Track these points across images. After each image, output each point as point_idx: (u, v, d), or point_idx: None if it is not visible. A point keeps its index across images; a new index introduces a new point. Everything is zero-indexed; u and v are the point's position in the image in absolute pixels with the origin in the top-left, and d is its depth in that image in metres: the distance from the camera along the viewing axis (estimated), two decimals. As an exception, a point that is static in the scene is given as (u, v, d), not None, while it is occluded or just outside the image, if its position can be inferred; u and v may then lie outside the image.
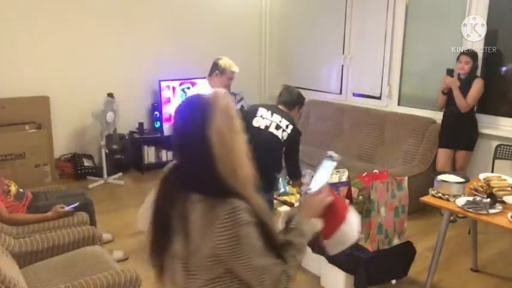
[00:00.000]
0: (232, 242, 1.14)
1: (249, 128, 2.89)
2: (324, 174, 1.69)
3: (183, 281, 1.22)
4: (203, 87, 3.46)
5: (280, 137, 2.91)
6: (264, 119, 2.94)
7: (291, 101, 3.10)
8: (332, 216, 1.46)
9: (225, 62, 3.41)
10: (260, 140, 2.85)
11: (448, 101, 4.03)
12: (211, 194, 1.16)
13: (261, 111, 2.98)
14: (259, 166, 2.92)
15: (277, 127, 2.92)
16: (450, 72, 3.97)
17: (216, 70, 3.41)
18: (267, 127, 2.92)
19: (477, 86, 3.86)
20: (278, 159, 3.00)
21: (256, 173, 2.54)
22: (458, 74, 3.97)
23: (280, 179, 3.51)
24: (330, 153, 1.83)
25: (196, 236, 1.15)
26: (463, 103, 3.87)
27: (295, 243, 1.30)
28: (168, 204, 1.22)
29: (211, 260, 1.16)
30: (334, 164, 1.77)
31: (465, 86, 3.89)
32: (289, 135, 2.93)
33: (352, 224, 1.48)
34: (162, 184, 1.30)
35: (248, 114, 3.01)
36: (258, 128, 2.92)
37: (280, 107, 3.07)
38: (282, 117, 2.96)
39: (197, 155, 1.17)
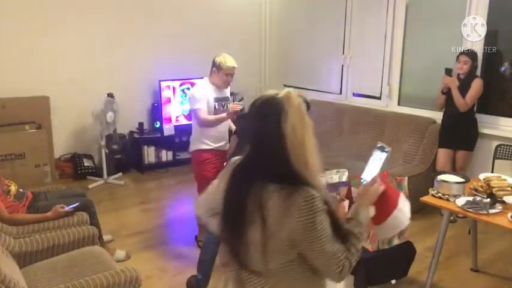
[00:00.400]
0: (308, 227, 1.25)
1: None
2: (376, 165, 1.75)
3: (258, 264, 1.32)
4: (204, 86, 3.44)
5: None
6: None
7: None
8: (385, 203, 1.54)
9: (220, 58, 3.35)
10: None
11: (447, 101, 4.03)
12: (287, 183, 1.27)
13: None
14: None
15: None
16: (449, 72, 3.97)
17: (213, 67, 3.39)
18: None
19: (476, 85, 3.86)
20: None
21: None
22: (458, 74, 3.97)
23: None
24: (380, 143, 1.85)
25: (274, 222, 1.26)
26: (462, 103, 3.87)
27: (354, 232, 1.39)
28: (243, 195, 1.31)
29: (287, 244, 1.28)
30: (386, 154, 1.81)
31: (464, 85, 3.89)
32: None
33: (403, 210, 1.56)
34: (233, 177, 1.39)
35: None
36: None
37: None
38: None
39: (274, 148, 1.29)
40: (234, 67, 3.37)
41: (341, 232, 1.33)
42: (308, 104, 3.13)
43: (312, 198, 1.25)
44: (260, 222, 1.27)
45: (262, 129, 1.32)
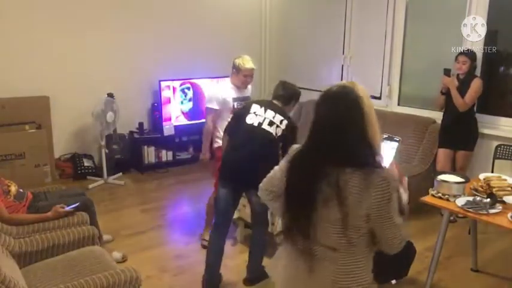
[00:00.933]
0: (383, 203, 1.40)
1: (243, 125, 2.89)
2: (389, 154, 1.79)
3: (333, 240, 1.45)
4: (224, 86, 3.61)
5: (274, 133, 2.85)
6: (258, 116, 2.89)
7: (286, 96, 3.03)
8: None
9: (239, 60, 3.46)
10: (254, 137, 2.85)
11: (447, 101, 4.03)
12: (365, 166, 1.40)
13: (255, 107, 2.93)
14: (254, 162, 2.92)
15: (271, 123, 2.86)
16: (447, 72, 3.97)
17: (233, 68, 3.50)
18: (260, 124, 2.86)
19: (475, 85, 3.86)
20: (273, 155, 2.91)
21: (253, 168, 2.57)
22: (457, 74, 3.97)
23: None
24: (387, 134, 1.88)
25: (354, 200, 1.39)
26: (461, 103, 3.87)
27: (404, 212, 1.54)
28: (315, 177, 1.44)
29: (364, 219, 1.41)
30: (397, 143, 1.88)
31: (464, 85, 3.89)
32: (283, 130, 2.87)
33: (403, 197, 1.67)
34: (299, 161, 1.52)
35: (242, 112, 2.98)
36: (252, 125, 2.87)
37: (275, 102, 3.02)
38: (275, 112, 2.90)
39: (354, 134, 1.42)
40: (252, 68, 3.47)
41: (400, 209, 1.48)
42: (297, 94, 3.12)
43: (386, 178, 1.41)
44: (337, 201, 1.39)
45: (342, 118, 1.43)
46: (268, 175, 1.72)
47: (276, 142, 2.87)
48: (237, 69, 3.47)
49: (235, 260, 3.37)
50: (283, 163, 1.63)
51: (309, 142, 1.53)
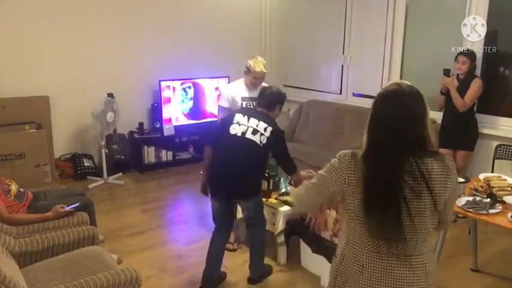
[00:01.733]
0: (456, 184, 1.58)
1: (226, 136, 2.82)
2: None
3: (425, 231, 1.52)
4: (236, 84, 3.62)
5: (259, 142, 2.77)
6: (241, 126, 2.81)
7: (269, 101, 2.94)
8: None
9: (251, 61, 3.44)
10: (238, 148, 2.78)
11: (447, 101, 4.03)
12: (436, 154, 1.52)
13: (238, 117, 2.86)
14: (240, 174, 2.87)
15: (254, 132, 2.78)
16: (447, 72, 3.97)
17: (245, 68, 3.50)
18: (243, 133, 2.78)
19: (475, 85, 3.86)
20: (260, 164, 2.91)
21: (239, 180, 2.76)
22: (457, 74, 3.97)
23: (282, 179, 3.51)
24: None
25: (440, 186, 1.49)
26: (461, 103, 3.87)
27: None
28: (399, 175, 1.47)
29: (445, 203, 1.53)
30: None
31: (464, 86, 3.89)
32: (268, 138, 2.79)
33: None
34: (375, 163, 1.50)
35: (225, 122, 2.90)
36: (235, 135, 2.80)
37: (259, 109, 2.95)
38: (259, 120, 2.82)
39: (424, 126, 1.51)
40: (262, 72, 3.45)
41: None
42: (281, 98, 3.08)
43: (452, 160, 1.55)
44: (427, 191, 1.47)
45: (417, 110, 1.51)
46: (302, 191, 1.77)
47: (261, 150, 2.80)
48: (247, 70, 3.47)
49: (235, 260, 3.37)
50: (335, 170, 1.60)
51: (377, 140, 1.52)
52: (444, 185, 1.49)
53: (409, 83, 1.57)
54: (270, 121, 2.86)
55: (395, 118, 1.51)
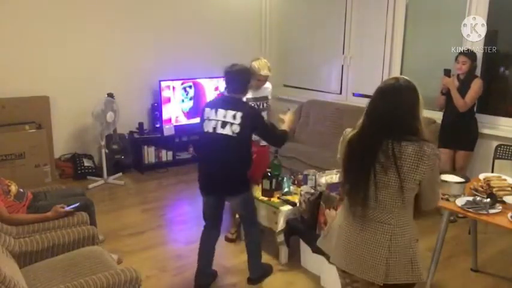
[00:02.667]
0: (433, 169, 1.72)
1: (204, 134, 2.79)
2: None
3: (390, 203, 1.75)
4: None
5: (231, 133, 2.66)
6: (211, 121, 2.74)
7: (237, 84, 2.80)
8: None
9: (256, 63, 3.42)
10: (214, 144, 2.74)
11: (447, 101, 4.03)
12: (418, 140, 1.71)
13: (207, 112, 2.78)
14: (224, 171, 2.83)
15: (223, 124, 2.69)
16: (447, 72, 3.97)
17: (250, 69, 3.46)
18: (214, 129, 2.71)
19: (476, 86, 3.86)
20: (241, 157, 2.78)
21: (225, 178, 2.80)
22: (458, 74, 3.97)
23: (285, 178, 3.50)
24: None
25: (409, 167, 1.70)
26: (461, 103, 3.87)
27: None
28: (374, 151, 1.72)
29: (417, 183, 1.72)
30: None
31: (464, 86, 3.89)
32: (240, 124, 2.65)
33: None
34: (358, 140, 1.79)
35: (201, 120, 2.84)
36: (208, 133, 2.74)
37: (228, 95, 2.82)
38: (226, 109, 2.70)
39: (413, 116, 1.74)
40: (267, 75, 3.44)
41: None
42: (247, 73, 2.89)
43: (435, 149, 1.73)
44: (395, 169, 1.70)
45: (408, 101, 1.75)
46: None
47: (236, 141, 2.70)
48: (252, 72, 3.39)
49: (235, 260, 3.37)
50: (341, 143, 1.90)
51: (367, 122, 1.79)
52: (415, 166, 1.69)
53: (407, 78, 1.80)
54: (239, 105, 2.73)
55: (387, 108, 1.75)
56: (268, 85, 3.63)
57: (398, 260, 1.77)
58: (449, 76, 3.95)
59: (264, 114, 3.44)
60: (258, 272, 3.08)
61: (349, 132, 1.87)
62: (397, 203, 1.74)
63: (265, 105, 3.56)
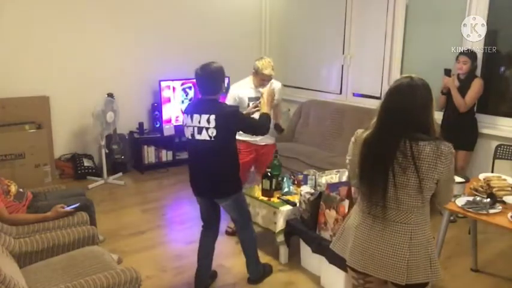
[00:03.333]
0: (449, 168, 1.74)
1: (187, 140, 2.79)
2: None
3: (410, 203, 1.74)
4: (243, 84, 3.63)
5: (209, 138, 2.62)
6: (188, 128, 2.72)
7: (209, 85, 2.71)
8: None
9: (259, 63, 3.46)
10: (195, 150, 2.74)
11: (448, 101, 4.03)
12: (434, 139, 1.72)
13: (185, 119, 2.74)
14: (208, 172, 2.75)
15: (199, 130, 2.65)
16: (448, 72, 3.97)
17: (253, 69, 3.53)
18: (192, 136, 2.69)
19: (476, 86, 3.86)
20: (225, 159, 2.72)
21: (212, 181, 2.80)
22: (458, 74, 3.97)
23: (285, 178, 3.51)
24: None
25: (427, 167, 1.70)
26: (461, 103, 3.87)
27: None
28: (392, 151, 1.72)
29: (435, 182, 1.74)
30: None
31: (464, 86, 3.89)
32: (216, 126, 2.59)
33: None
34: (375, 141, 1.79)
35: (182, 126, 2.84)
36: (188, 139, 2.74)
37: (202, 98, 2.75)
38: (200, 113, 2.64)
39: (428, 116, 1.75)
40: (270, 75, 3.48)
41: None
42: (219, 73, 2.79)
43: (451, 148, 1.74)
44: (414, 169, 1.70)
45: (424, 99, 1.74)
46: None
47: (215, 145, 2.64)
48: (256, 71, 3.49)
49: (235, 260, 3.36)
50: (352, 144, 1.91)
51: (382, 123, 1.78)
52: (433, 166, 1.70)
53: (420, 77, 1.79)
54: (213, 108, 2.64)
55: (403, 106, 1.74)
56: (277, 84, 3.66)
57: (418, 259, 1.77)
58: (449, 76, 3.95)
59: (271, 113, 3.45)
60: (257, 272, 3.08)
61: (361, 132, 1.86)
62: (416, 202, 1.74)
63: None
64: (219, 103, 2.75)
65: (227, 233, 3.74)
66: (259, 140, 3.63)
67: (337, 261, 2.74)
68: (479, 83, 3.87)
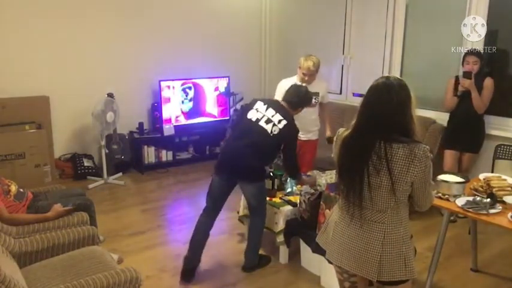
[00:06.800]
0: (424, 171, 1.74)
1: (243, 119, 2.99)
2: None
3: (382, 203, 1.78)
4: (290, 80, 3.79)
5: (270, 131, 2.89)
6: (258, 112, 2.97)
7: (295, 101, 3.09)
8: None
9: (302, 58, 3.72)
10: (250, 132, 2.93)
11: (459, 103, 3.96)
12: (408, 142, 1.73)
13: (258, 104, 3.02)
14: (248, 155, 2.96)
15: (268, 121, 2.92)
16: (468, 75, 3.81)
17: (298, 64, 3.76)
18: (257, 120, 2.93)
19: (489, 85, 3.83)
20: (267, 153, 3.00)
21: (246, 161, 2.94)
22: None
23: (289, 179, 3.52)
24: None
25: (400, 169, 1.72)
26: (481, 105, 3.83)
27: None
28: (367, 152, 1.74)
29: (409, 184, 1.75)
30: None
31: (476, 86, 3.83)
32: (281, 130, 2.90)
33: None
34: (351, 140, 1.81)
35: (246, 106, 3.09)
36: (250, 120, 2.96)
37: (282, 103, 3.08)
38: (276, 112, 2.95)
39: (404, 115, 1.74)
40: (309, 68, 3.66)
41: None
42: (307, 101, 3.18)
43: (427, 150, 1.73)
44: (386, 170, 1.72)
45: (399, 98, 1.74)
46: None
47: (270, 140, 2.90)
48: (299, 66, 3.70)
49: (235, 258, 3.36)
50: (334, 144, 1.94)
51: (359, 123, 1.80)
52: (406, 169, 1.72)
53: (398, 77, 1.82)
54: (287, 116, 2.97)
55: (378, 106, 1.76)
56: (324, 83, 3.97)
57: (391, 256, 1.80)
58: (470, 79, 3.81)
59: (313, 110, 3.84)
60: (252, 261, 3.14)
61: (342, 131, 1.90)
62: (389, 203, 1.78)
63: (314, 100, 3.72)
64: (293, 118, 3.03)
65: (240, 220, 3.69)
66: (302, 135, 3.67)
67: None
68: (491, 82, 3.83)
